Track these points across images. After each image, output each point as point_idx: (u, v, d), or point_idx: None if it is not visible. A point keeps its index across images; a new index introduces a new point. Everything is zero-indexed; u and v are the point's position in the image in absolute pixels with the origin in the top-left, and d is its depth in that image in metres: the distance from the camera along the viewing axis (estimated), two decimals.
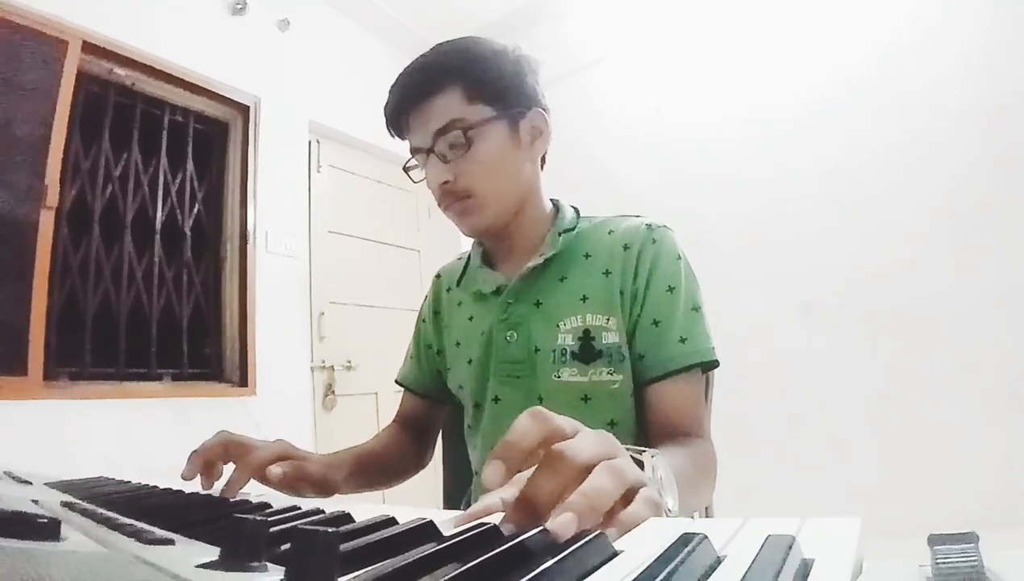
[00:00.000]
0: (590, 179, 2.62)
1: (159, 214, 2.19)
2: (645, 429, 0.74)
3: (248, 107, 2.48)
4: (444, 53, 0.75)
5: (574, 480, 0.32)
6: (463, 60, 0.73)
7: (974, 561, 0.20)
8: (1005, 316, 1.89)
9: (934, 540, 0.22)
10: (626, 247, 0.76)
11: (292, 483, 0.66)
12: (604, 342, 0.73)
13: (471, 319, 0.84)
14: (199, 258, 2.33)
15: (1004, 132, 1.95)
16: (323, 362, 2.60)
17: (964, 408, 1.90)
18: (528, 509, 0.32)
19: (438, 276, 0.95)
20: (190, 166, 2.33)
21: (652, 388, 0.72)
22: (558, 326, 0.74)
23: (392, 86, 0.76)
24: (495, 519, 0.32)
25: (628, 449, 0.46)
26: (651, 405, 0.73)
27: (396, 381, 0.98)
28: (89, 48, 1.97)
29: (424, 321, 0.94)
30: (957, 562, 0.20)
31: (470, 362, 0.81)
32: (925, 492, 1.86)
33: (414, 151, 0.77)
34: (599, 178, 2.66)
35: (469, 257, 0.89)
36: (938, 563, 0.20)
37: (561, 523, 0.27)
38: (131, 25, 2.08)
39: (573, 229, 0.80)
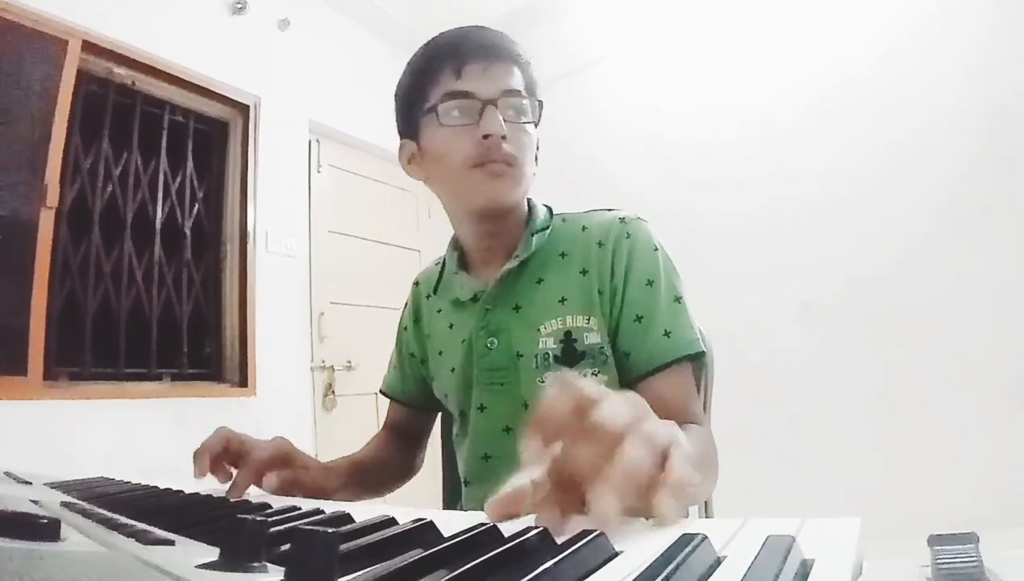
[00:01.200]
0: (590, 179, 2.62)
1: (159, 214, 2.19)
2: None
3: (248, 107, 2.48)
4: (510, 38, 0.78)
5: (610, 449, 0.33)
6: (523, 52, 0.77)
7: (974, 561, 0.20)
8: (1005, 316, 1.89)
9: (934, 540, 0.22)
10: (600, 244, 0.74)
11: (286, 490, 0.66)
12: (586, 343, 0.71)
13: (451, 327, 0.82)
14: (199, 258, 2.33)
15: (1004, 132, 1.95)
16: (323, 362, 2.60)
17: (964, 408, 1.90)
18: (567, 490, 0.33)
19: (416, 283, 0.93)
20: (190, 166, 2.33)
21: (641, 385, 0.70)
22: (539, 330, 0.73)
23: (465, 29, 0.77)
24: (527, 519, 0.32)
25: None
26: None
27: (380, 391, 0.97)
28: (89, 48, 1.97)
29: (406, 329, 0.92)
30: (957, 562, 0.20)
31: (453, 371, 0.80)
32: (925, 492, 1.86)
33: (462, 94, 0.72)
34: (599, 178, 2.66)
35: (444, 263, 0.87)
36: (938, 563, 0.20)
37: (603, 508, 0.28)
38: (131, 25, 2.08)
39: (546, 229, 0.79)
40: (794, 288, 2.26)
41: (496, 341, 0.75)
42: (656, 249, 0.74)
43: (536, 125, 0.77)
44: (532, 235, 0.77)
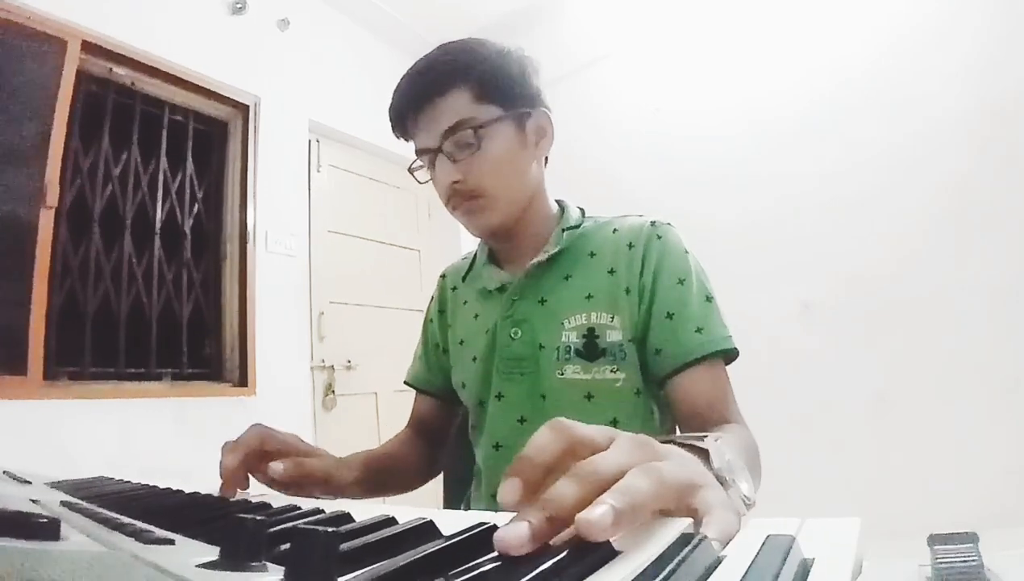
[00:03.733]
0: (590, 179, 2.62)
1: (159, 214, 2.19)
2: (672, 426, 0.74)
3: (248, 107, 2.48)
4: (449, 53, 0.74)
5: (603, 491, 0.26)
6: (469, 60, 0.73)
7: (974, 561, 0.20)
8: (1005, 316, 1.89)
9: (934, 540, 0.22)
10: (631, 245, 0.76)
11: (295, 480, 0.62)
12: (608, 340, 0.72)
13: (476, 317, 0.84)
14: (199, 258, 2.33)
15: (1004, 132, 1.95)
16: (323, 362, 2.60)
17: (964, 408, 1.90)
18: (546, 517, 0.25)
19: (443, 276, 0.96)
20: (190, 166, 2.33)
21: (673, 381, 0.70)
22: (562, 324, 0.74)
23: (396, 88, 0.76)
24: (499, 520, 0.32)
25: (687, 437, 0.44)
26: (675, 398, 0.71)
27: (405, 382, 0.96)
28: (89, 48, 1.97)
29: (431, 321, 0.94)
30: (957, 562, 0.20)
31: (475, 359, 0.81)
32: (925, 492, 1.86)
33: (420, 152, 0.77)
34: (599, 178, 2.66)
35: (476, 255, 0.90)
36: (938, 563, 0.20)
37: (595, 513, 0.23)
38: (131, 25, 2.08)
39: (578, 226, 0.80)
40: (794, 288, 2.26)
41: (520, 331, 0.77)
42: (686, 252, 0.76)
43: (516, 118, 0.75)
44: (563, 232, 0.79)
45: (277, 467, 0.61)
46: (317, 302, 2.62)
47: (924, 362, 2.00)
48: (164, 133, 2.25)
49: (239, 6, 2.41)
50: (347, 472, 0.72)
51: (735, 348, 0.72)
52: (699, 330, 0.70)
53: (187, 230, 2.28)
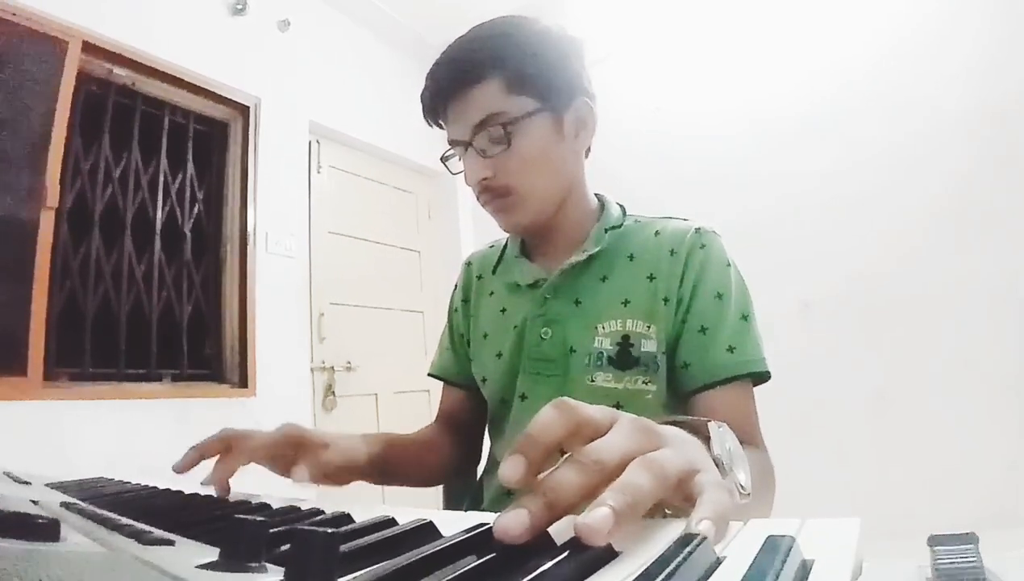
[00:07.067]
0: (590, 178, 2.62)
1: (159, 214, 2.19)
2: None
3: (248, 107, 2.48)
4: (483, 39, 0.70)
5: (606, 480, 0.27)
6: (503, 47, 0.69)
7: (974, 561, 0.20)
8: (1005, 316, 1.89)
9: (934, 540, 0.21)
10: (673, 252, 0.73)
11: (318, 480, 0.60)
12: (642, 350, 0.70)
13: (503, 311, 0.81)
14: (199, 258, 2.33)
15: (1004, 133, 1.96)
16: (323, 363, 2.60)
17: (964, 408, 1.90)
18: (546, 504, 0.26)
19: (468, 263, 0.92)
20: (190, 167, 2.33)
21: (698, 398, 0.68)
22: (596, 328, 0.71)
23: (429, 73, 0.72)
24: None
25: (691, 420, 0.44)
26: (697, 416, 0.69)
27: (430, 374, 0.93)
28: (89, 48, 1.97)
29: (456, 310, 0.90)
30: (957, 562, 0.20)
31: (499, 355, 0.78)
32: (925, 492, 1.86)
33: (452, 143, 0.74)
34: (599, 178, 2.63)
35: (505, 245, 0.87)
36: (938, 563, 0.20)
37: (596, 517, 0.23)
38: (131, 25, 2.08)
39: (619, 226, 0.78)
40: (794, 287, 2.26)
41: (551, 331, 0.74)
42: (729, 265, 0.74)
43: (552, 110, 0.71)
44: (605, 231, 0.76)
45: (301, 475, 0.57)
46: (317, 303, 2.62)
47: (924, 361, 2.00)
48: (164, 134, 2.25)
49: (239, 7, 2.41)
50: (370, 447, 0.69)
51: (767, 371, 0.69)
52: (731, 349, 0.68)
53: (187, 231, 2.28)
